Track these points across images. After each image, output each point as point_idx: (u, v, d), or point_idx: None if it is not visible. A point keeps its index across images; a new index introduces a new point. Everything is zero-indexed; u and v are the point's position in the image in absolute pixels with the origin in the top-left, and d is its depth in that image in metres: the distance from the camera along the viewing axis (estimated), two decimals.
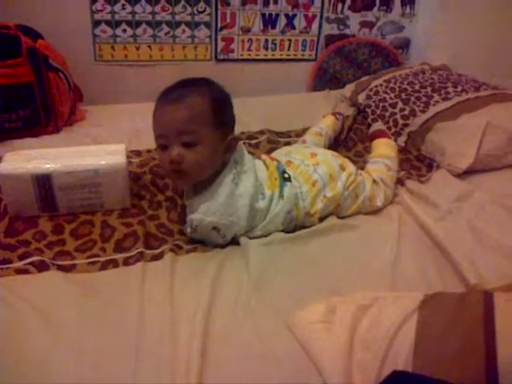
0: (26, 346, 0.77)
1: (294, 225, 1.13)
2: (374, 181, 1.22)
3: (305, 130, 1.69)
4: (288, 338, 0.79)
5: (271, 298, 0.88)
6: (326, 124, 1.53)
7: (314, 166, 1.15)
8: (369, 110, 1.75)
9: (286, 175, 1.12)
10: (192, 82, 1.05)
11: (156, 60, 1.92)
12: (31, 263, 0.95)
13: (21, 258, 0.98)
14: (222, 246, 1.07)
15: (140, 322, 0.83)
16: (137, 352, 0.78)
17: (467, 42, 1.99)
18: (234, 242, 1.07)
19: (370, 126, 1.70)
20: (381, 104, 1.73)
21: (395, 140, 1.61)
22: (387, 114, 1.68)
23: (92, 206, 1.15)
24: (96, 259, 1.00)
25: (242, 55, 2.02)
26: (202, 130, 0.99)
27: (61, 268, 0.95)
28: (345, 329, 0.67)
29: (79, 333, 0.80)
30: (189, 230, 1.07)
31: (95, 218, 1.13)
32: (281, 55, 2.07)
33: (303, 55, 2.10)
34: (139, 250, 1.02)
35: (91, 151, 1.17)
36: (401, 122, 1.62)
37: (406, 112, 1.63)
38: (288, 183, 1.10)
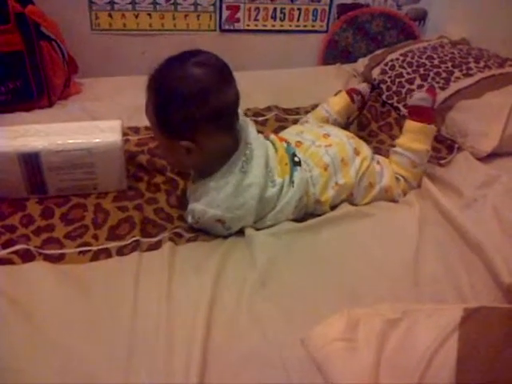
0: (2, 346, 0.69)
1: (304, 212, 1.03)
2: (395, 178, 1.11)
3: (314, 107, 1.58)
4: (298, 344, 0.70)
5: (279, 298, 0.80)
6: (337, 108, 1.31)
7: (325, 147, 1.04)
8: (384, 86, 1.63)
9: (297, 159, 1.01)
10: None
11: (156, 29, 1.80)
12: (15, 252, 0.87)
13: (5, 245, 0.89)
14: (226, 236, 0.98)
15: (133, 322, 0.74)
16: (129, 355, 0.70)
17: (489, 15, 1.85)
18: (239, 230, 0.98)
19: (384, 103, 1.59)
20: (397, 80, 1.60)
21: None
22: (404, 91, 1.56)
23: (85, 188, 1.06)
24: (87, 248, 0.91)
25: (248, 25, 1.89)
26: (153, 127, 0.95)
27: (48, 258, 0.87)
28: (370, 348, 0.57)
29: (64, 333, 0.72)
30: (190, 220, 0.97)
31: (88, 201, 1.04)
32: (290, 26, 1.94)
33: (314, 26, 1.97)
34: (135, 239, 0.93)
35: (84, 128, 1.07)
36: None
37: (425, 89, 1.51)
38: (298, 168, 1.00)
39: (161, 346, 0.71)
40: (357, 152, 1.06)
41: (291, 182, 0.98)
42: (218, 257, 0.89)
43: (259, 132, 1.04)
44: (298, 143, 1.06)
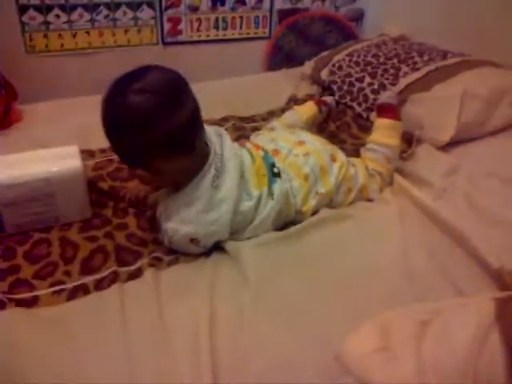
0: None
1: (284, 222, 1.01)
2: (370, 173, 1.11)
3: (270, 113, 1.58)
4: (305, 355, 0.67)
5: (277, 310, 0.76)
6: (305, 117, 1.29)
7: (303, 156, 1.02)
8: (335, 87, 1.65)
9: (276, 170, 0.98)
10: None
11: (96, 47, 1.72)
12: None
13: None
14: (207, 253, 0.93)
15: (128, 361, 0.68)
16: None
17: (424, 10, 1.92)
18: (219, 245, 0.94)
19: (338, 103, 1.60)
20: (347, 79, 1.63)
21: (367, 117, 1.52)
22: (355, 90, 1.59)
23: (45, 221, 0.98)
24: (61, 287, 0.83)
25: (191, 37, 1.86)
26: None
27: (20, 303, 0.78)
28: (408, 354, 0.55)
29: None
30: (166, 240, 0.92)
31: (51, 236, 0.96)
32: (233, 34, 1.93)
33: (256, 33, 1.97)
34: (112, 269, 0.87)
35: (38, 156, 0.99)
36: (371, 96, 1.53)
37: (375, 86, 1.54)
38: (278, 179, 0.96)
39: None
40: (333, 158, 1.05)
41: (270, 194, 0.95)
42: (206, 277, 0.84)
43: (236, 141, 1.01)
44: (275, 152, 1.03)
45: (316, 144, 1.07)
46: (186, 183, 0.89)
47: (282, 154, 1.02)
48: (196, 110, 0.86)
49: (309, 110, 1.33)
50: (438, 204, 1.03)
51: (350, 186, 1.05)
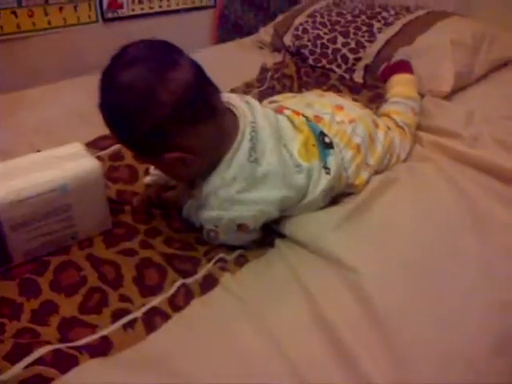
0: None
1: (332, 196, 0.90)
2: (400, 127, 1.03)
3: (248, 85, 1.45)
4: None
5: (425, 288, 0.68)
6: None
7: (349, 123, 0.90)
8: (306, 51, 1.55)
9: (327, 140, 0.85)
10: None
11: (26, 30, 1.44)
12: (40, 360, 0.57)
13: (14, 356, 0.58)
14: (270, 242, 0.81)
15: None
16: None
17: None
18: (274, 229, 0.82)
19: (312, 67, 1.52)
20: (318, 42, 1.54)
21: (350, 78, 1.45)
22: (330, 52, 1.51)
23: (62, 241, 0.78)
24: (130, 317, 0.65)
25: (133, 10, 1.64)
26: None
27: (90, 351, 0.59)
28: None
29: None
30: (212, 235, 0.78)
31: (74, 257, 0.77)
32: (177, 4, 1.74)
33: (201, 2, 1.79)
34: (179, 283, 0.71)
35: (39, 161, 0.77)
36: (351, 56, 1.46)
37: (353, 45, 1.47)
38: (331, 151, 0.84)
39: None
40: (376, 124, 0.95)
41: (325, 168, 0.82)
42: (293, 270, 0.72)
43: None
44: (317, 118, 0.89)
45: (356, 109, 0.95)
46: (217, 161, 0.74)
47: (325, 121, 0.89)
48: (198, 66, 0.72)
49: None
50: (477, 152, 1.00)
51: (392, 151, 0.97)
